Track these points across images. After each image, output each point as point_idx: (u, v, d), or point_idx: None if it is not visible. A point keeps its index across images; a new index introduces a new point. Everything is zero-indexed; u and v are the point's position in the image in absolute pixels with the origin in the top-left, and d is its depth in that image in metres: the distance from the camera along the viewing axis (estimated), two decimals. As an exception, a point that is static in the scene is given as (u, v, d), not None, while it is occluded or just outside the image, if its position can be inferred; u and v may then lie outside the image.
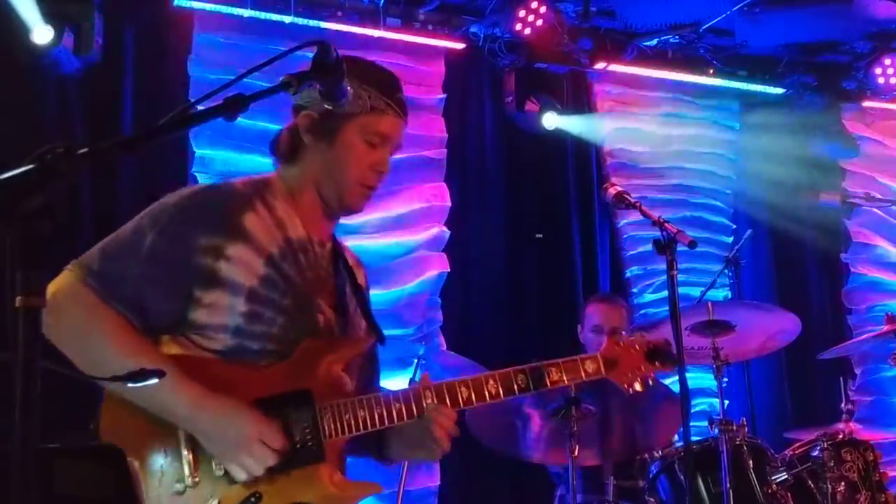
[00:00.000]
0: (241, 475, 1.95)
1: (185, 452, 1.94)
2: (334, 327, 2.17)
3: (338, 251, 2.29)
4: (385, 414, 2.09)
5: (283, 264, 2.09)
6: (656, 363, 2.42)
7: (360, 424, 2.06)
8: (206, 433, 1.94)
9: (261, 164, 4.56)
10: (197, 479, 1.94)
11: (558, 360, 2.28)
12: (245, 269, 2.02)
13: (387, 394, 2.14)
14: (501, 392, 2.20)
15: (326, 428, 2.03)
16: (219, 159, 4.63)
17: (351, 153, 2.14)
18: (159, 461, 1.94)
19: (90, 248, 2.05)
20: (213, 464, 1.95)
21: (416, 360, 3.92)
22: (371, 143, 2.14)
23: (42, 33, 4.15)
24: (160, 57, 4.61)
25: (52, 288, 1.92)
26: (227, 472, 1.95)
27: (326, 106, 1.94)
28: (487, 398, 2.18)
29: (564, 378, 2.28)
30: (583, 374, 2.31)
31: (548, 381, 2.26)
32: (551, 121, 5.33)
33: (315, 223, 2.20)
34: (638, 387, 2.40)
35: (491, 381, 2.20)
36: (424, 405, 2.11)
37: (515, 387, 2.22)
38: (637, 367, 2.40)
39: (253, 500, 1.95)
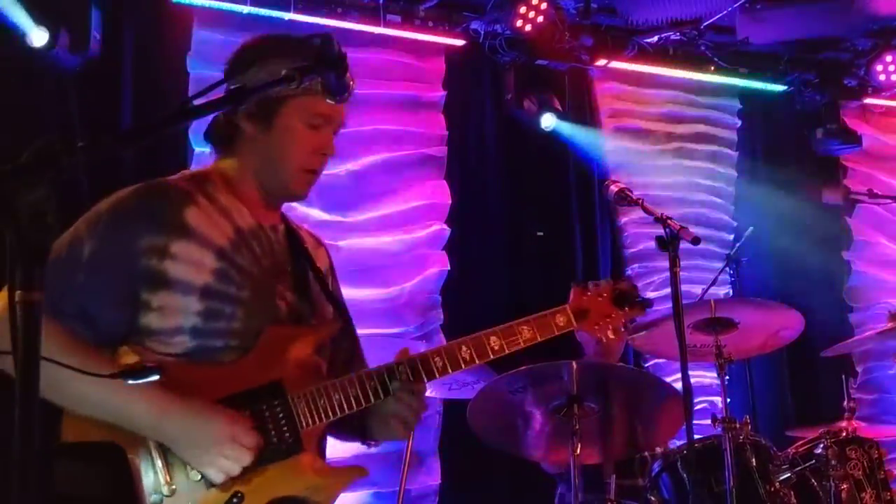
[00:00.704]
0: (217, 478, 1.88)
1: (157, 461, 1.86)
2: (298, 313, 2.10)
3: (293, 233, 2.20)
4: (360, 395, 2.04)
5: (236, 256, 2.00)
6: (626, 308, 2.39)
7: (336, 408, 2.01)
8: (174, 440, 1.86)
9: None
10: (174, 487, 1.86)
11: (529, 318, 2.26)
12: (194, 267, 1.94)
13: (360, 374, 2.08)
14: (476, 356, 2.17)
15: (302, 417, 1.97)
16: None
17: (291, 137, 2.05)
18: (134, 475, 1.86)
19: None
20: (188, 469, 1.88)
21: (416, 359, 3.89)
22: (312, 125, 2.05)
23: (38, 36, 4.13)
24: (159, 54, 4.59)
25: None
26: (204, 477, 1.88)
27: (329, 101, 1.91)
28: (462, 364, 2.15)
29: (538, 335, 2.26)
30: (554, 328, 2.30)
31: (521, 339, 2.23)
32: (549, 121, 5.31)
33: (261, 209, 2.11)
34: (611, 334, 2.38)
35: (464, 348, 2.16)
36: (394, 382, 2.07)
37: (489, 349, 2.18)
38: (607, 315, 2.37)
39: (235, 501, 1.90)
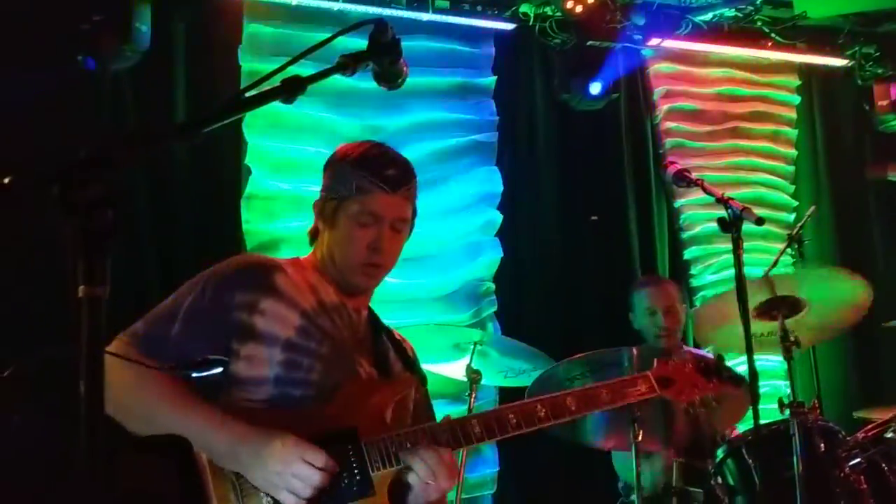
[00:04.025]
0: (289, 499, 1.92)
1: (230, 493, 1.94)
2: (378, 380, 2.22)
3: (376, 320, 2.36)
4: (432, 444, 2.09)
5: (318, 319, 2.17)
6: (713, 380, 2.41)
7: (406, 456, 2.06)
8: (247, 465, 1.94)
9: (314, 154, 4.59)
10: None
11: (609, 382, 2.31)
12: (280, 322, 2.11)
13: (433, 425, 2.14)
14: (552, 418, 2.22)
15: (373, 462, 2.03)
16: (273, 149, 4.63)
17: (345, 237, 2.22)
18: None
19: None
20: (263, 499, 1.94)
21: (472, 346, 3.88)
22: (363, 224, 2.20)
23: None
24: (211, 48, 4.61)
25: None
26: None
27: (383, 87, 1.89)
28: (537, 424, 2.20)
29: (616, 400, 2.31)
30: (634, 395, 2.34)
31: (599, 404, 2.30)
32: (597, 88, 5.21)
33: (345, 295, 2.27)
34: (696, 401, 2.42)
35: (539, 406, 2.21)
36: (467, 435, 2.12)
37: (566, 413, 2.23)
38: (693, 384, 2.42)
39: None
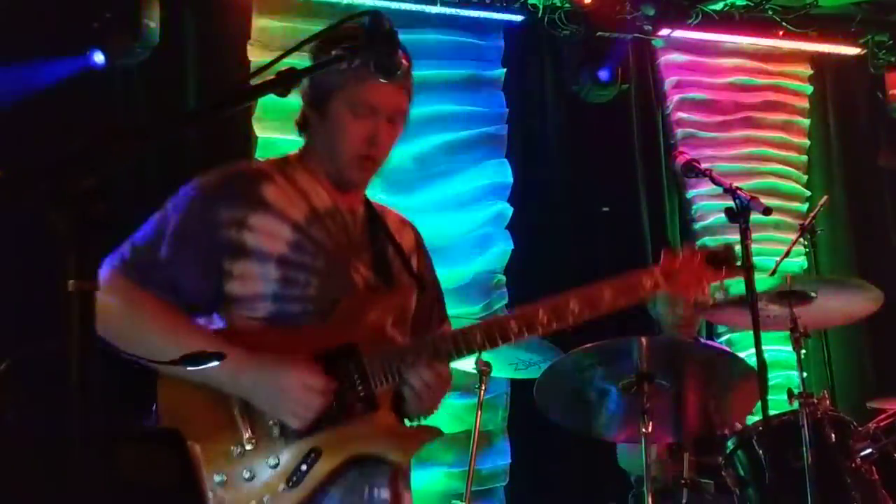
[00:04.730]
0: (293, 423, 1.94)
1: (238, 417, 1.96)
2: (375, 287, 2.15)
3: (373, 216, 2.25)
4: (433, 357, 2.06)
5: (311, 229, 2.09)
6: (722, 269, 2.29)
7: (409, 369, 2.04)
8: (251, 391, 1.95)
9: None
10: (255, 441, 1.95)
11: (612, 280, 2.21)
12: (271, 237, 2.04)
13: (434, 336, 2.13)
14: (555, 322, 2.13)
15: (375, 376, 2.02)
16: (282, 143, 4.64)
17: (340, 126, 2.09)
18: (218, 429, 1.95)
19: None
20: (270, 424, 1.96)
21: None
22: (358, 114, 2.07)
23: (97, 57, 4.22)
24: (221, 43, 4.64)
25: None
26: (283, 432, 1.96)
27: (381, 80, 1.90)
28: (540, 330, 2.13)
29: (621, 298, 2.19)
30: (640, 290, 2.22)
31: (603, 303, 2.17)
32: (606, 74, 5.19)
33: (338, 192, 2.17)
34: (706, 297, 2.29)
35: (541, 312, 2.13)
36: (469, 344, 2.08)
37: (569, 315, 2.14)
38: (700, 277, 2.27)
39: (312, 455, 1.96)
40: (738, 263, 2.35)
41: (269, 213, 2.05)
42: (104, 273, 1.98)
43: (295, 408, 1.94)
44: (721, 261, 2.31)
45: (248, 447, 1.94)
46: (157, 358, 1.89)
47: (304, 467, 1.95)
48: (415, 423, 2.17)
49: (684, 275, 2.27)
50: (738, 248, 2.47)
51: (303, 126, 2.19)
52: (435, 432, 2.12)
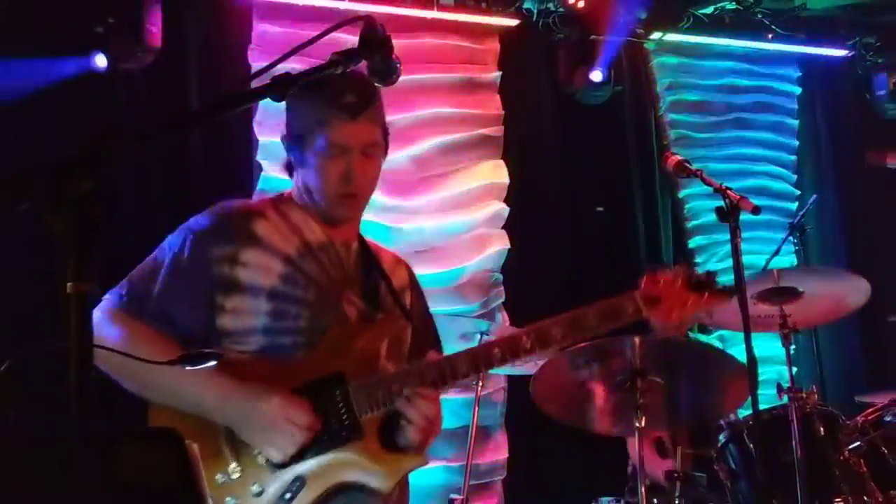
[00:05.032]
0: (276, 456, 1.98)
1: (225, 445, 2.00)
2: (368, 318, 2.18)
3: (367, 252, 2.29)
4: (419, 385, 2.07)
5: (303, 262, 2.13)
6: (705, 295, 2.23)
7: (394, 398, 2.06)
8: (237, 422, 1.99)
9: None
10: (241, 470, 1.99)
11: (595, 304, 2.22)
12: (262, 272, 2.08)
13: (420, 364, 2.13)
14: (538, 348, 2.16)
15: (360, 405, 2.04)
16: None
17: (316, 171, 2.14)
18: (205, 458, 1.90)
19: (158, 240, 2.17)
20: (255, 453, 2.00)
21: (479, 336, 3.95)
22: (331, 156, 2.11)
23: (100, 60, 4.28)
24: (222, 49, 4.68)
25: None
26: (268, 461, 1.99)
27: (378, 84, 1.95)
28: (524, 356, 2.16)
29: (603, 324, 2.20)
30: (622, 316, 2.20)
31: (587, 329, 2.19)
32: (598, 75, 5.26)
33: (331, 227, 2.21)
34: (684, 326, 2.27)
35: (524, 338, 2.16)
36: (454, 372, 2.09)
37: (552, 341, 2.18)
38: (682, 302, 2.22)
39: (297, 484, 1.99)
40: (721, 288, 2.30)
41: (259, 247, 2.10)
42: (102, 306, 2.07)
43: (277, 440, 1.98)
44: (703, 285, 2.27)
45: (235, 476, 1.99)
46: (148, 383, 1.98)
47: (287, 496, 1.99)
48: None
49: (666, 301, 2.24)
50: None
51: (290, 168, 2.24)
52: (419, 461, 2.12)
